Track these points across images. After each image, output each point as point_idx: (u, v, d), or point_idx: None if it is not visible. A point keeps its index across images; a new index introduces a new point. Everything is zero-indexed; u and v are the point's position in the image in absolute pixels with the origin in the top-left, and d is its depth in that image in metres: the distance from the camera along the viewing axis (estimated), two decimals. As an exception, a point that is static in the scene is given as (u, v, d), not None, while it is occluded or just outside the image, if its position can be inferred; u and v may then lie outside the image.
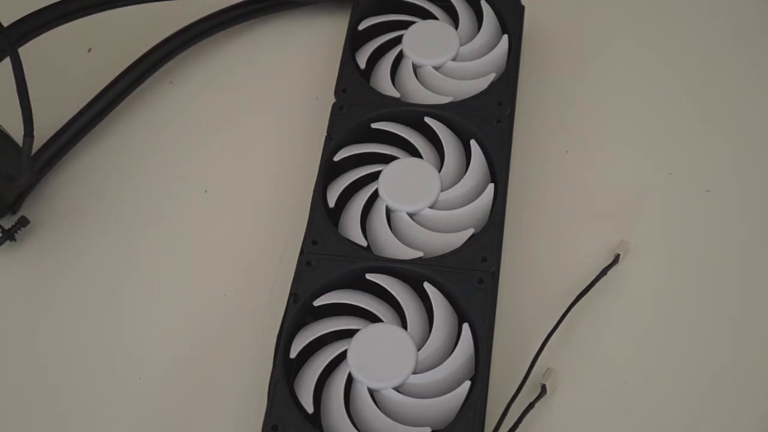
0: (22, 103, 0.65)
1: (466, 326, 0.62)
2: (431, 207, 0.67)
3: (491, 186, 0.67)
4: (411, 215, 0.67)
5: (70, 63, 0.82)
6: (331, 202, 0.67)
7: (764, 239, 0.71)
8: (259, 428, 0.59)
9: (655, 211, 0.72)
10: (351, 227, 0.66)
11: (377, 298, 0.64)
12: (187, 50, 0.81)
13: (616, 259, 0.68)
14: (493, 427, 0.61)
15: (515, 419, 0.61)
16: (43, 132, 0.67)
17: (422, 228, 0.66)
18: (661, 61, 0.80)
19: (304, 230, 0.66)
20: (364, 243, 0.65)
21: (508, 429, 0.61)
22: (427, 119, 0.70)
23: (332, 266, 0.64)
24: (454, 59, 0.74)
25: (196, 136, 0.78)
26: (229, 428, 0.64)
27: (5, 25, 0.67)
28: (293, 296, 0.63)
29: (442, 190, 0.67)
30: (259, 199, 0.74)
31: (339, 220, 0.68)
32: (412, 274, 0.64)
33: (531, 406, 0.62)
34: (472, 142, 0.69)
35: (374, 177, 0.68)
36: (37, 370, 0.68)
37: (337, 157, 0.69)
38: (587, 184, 0.74)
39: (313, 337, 0.62)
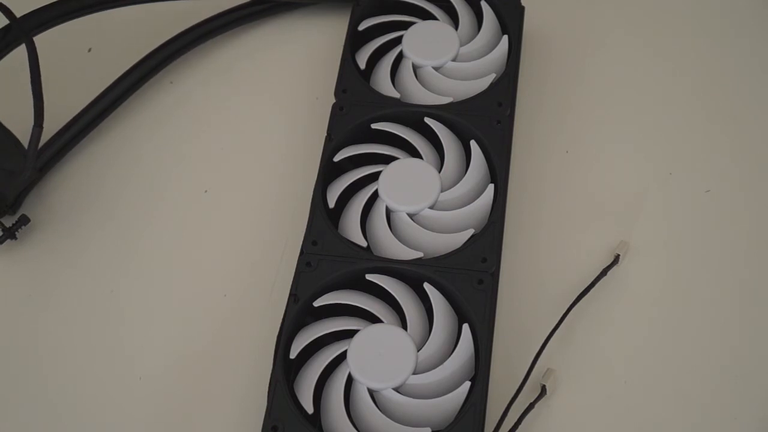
0: (34, 93, 0.65)
1: (466, 326, 0.62)
2: (431, 207, 0.67)
3: (491, 186, 0.67)
4: (411, 216, 0.67)
5: (70, 63, 0.82)
6: (331, 202, 0.67)
7: (764, 239, 0.71)
8: (259, 428, 0.59)
9: (655, 211, 0.72)
10: (351, 228, 0.66)
11: (377, 298, 0.64)
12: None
13: (616, 260, 0.68)
14: (493, 427, 0.61)
15: (515, 420, 0.61)
16: (44, 131, 0.67)
17: (422, 228, 0.66)
18: (661, 60, 0.80)
19: (304, 230, 0.66)
20: (364, 243, 0.65)
21: (508, 429, 0.61)
22: (427, 120, 0.70)
23: (332, 267, 0.64)
24: (454, 60, 0.74)
25: (197, 136, 0.78)
26: (229, 428, 0.64)
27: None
28: (293, 297, 0.63)
29: (442, 191, 0.67)
30: (259, 200, 0.74)
31: (339, 221, 0.68)
32: (412, 274, 0.64)
33: (531, 406, 0.62)
34: (472, 143, 0.69)
35: (374, 177, 0.68)
36: (36, 369, 0.68)
37: (337, 158, 0.69)
38: (587, 184, 0.74)
39: (313, 338, 0.62)
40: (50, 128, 0.74)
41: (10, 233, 0.72)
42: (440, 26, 0.75)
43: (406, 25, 0.75)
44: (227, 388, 0.66)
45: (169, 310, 0.70)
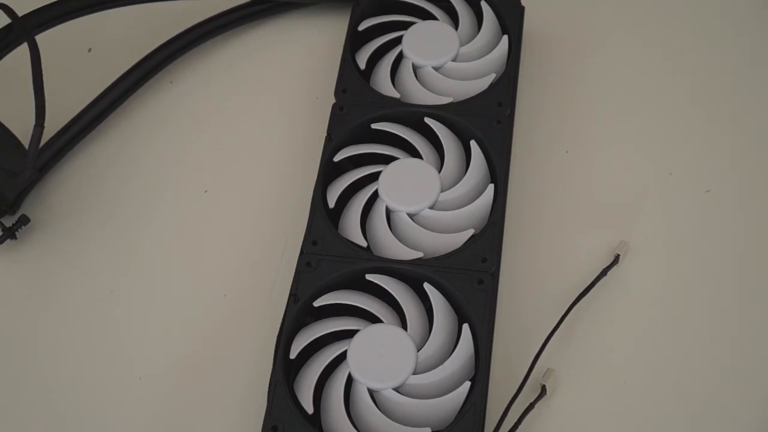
0: (36, 93, 0.65)
1: (466, 326, 0.62)
2: (431, 207, 0.67)
3: (491, 186, 0.67)
4: (411, 216, 0.67)
5: (70, 63, 0.82)
6: (331, 202, 0.67)
7: (764, 239, 0.71)
8: (259, 428, 0.59)
9: (655, 211, 0.72)
10: (351, 228, 0.66)
11: (377, 298, 0.64)
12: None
13: (616, 260, 0.68)
14: (493, 427, 0.61)
15: (515, 420, 0.61)
16: (44, 131, 0.67)
17: (422, 228, 0.66)
18: (661, 60, 0.80)
19: (304, 230, 0.66)
20: (364, 243, 0.65)
21: (508, 429, 0.61)
22: (427, 120, 0.70)
23: (332, 267, 0.64)
24: (454, 60, 0.74)
25: (197, 136, 0.78)
26: (229, 428, 0.64)
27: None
28: (293, 297, 0.63)
29: (442, 191, 0.67)
30: (259, 200, 0.74)
31: (339, 221, 0.68)
32: (412, 274, 0.64)
33: (531, 406, 0.62)
34: (472, 143, 0.69)
35: (374, 177, 0.68)
36: (36, 369, 0.68)
37: (337, 158, 0.69)
38: (587, 184, 0.74)
39: (313, 338, 0.62)
40: (50, 128, 0.74)
41: (10, 233, 0.72)
42: (440, 26, 0.75)
43: (406, 25, 0.75)
44: (227, 388, 0.66)
45: (169, 310, 0.70)
